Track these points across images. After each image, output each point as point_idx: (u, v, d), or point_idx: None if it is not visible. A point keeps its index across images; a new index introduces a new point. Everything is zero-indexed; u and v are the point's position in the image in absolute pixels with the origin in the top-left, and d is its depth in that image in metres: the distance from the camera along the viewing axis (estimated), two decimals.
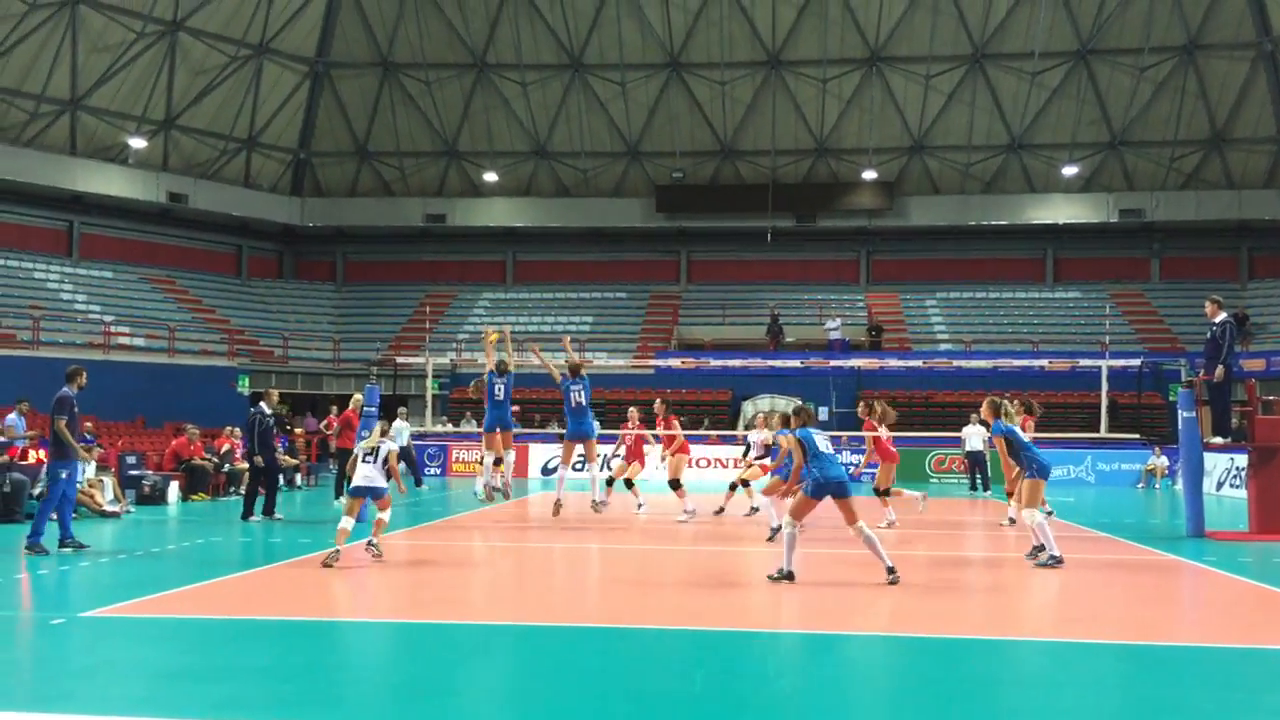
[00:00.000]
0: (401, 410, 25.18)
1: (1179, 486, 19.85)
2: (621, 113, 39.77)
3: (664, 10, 37.62)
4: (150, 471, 19.90)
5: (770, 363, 30.75)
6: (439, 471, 29.81)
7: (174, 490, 19.49)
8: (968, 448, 24.24)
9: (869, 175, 39.11)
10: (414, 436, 24.31)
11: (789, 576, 10.13)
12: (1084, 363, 28.23)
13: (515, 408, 19.37)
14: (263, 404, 16.92)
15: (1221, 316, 15.15)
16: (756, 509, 16.67)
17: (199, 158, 38.26)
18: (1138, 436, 24.53)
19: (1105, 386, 19.55)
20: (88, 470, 17.08)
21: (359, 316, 40.67)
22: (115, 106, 35.41)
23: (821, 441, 10.50)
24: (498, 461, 16.39)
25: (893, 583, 9.99)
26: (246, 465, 17.27)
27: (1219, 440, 15.51)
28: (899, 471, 16.73)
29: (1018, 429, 12.11)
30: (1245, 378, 19.20)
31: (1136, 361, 30.43)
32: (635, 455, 17.77)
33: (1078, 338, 36.57)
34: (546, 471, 28.44)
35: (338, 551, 11.09)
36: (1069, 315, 38.79)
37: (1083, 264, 40.62)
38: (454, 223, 41.10)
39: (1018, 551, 12.57)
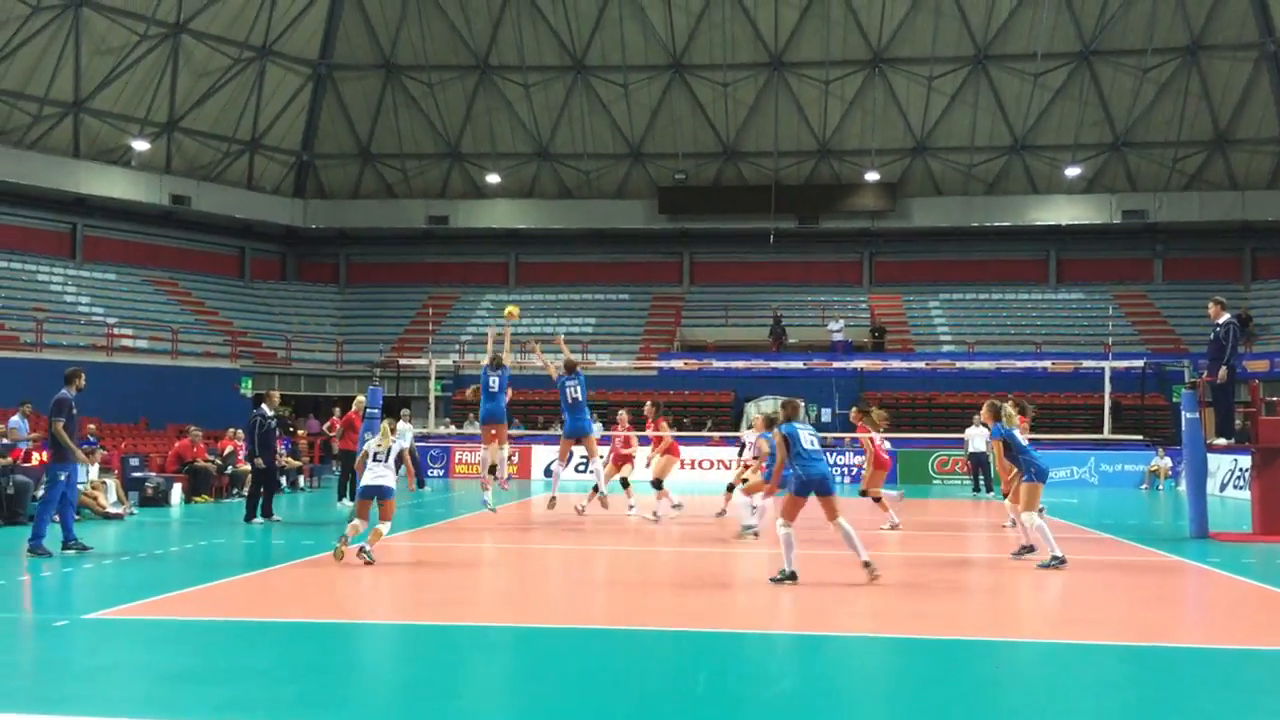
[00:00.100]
0: (405, 412, 25.18)
1: (1182, 488, 19.82)
2: (624, 114, 39.78)
3: (666, 12, 37.62)
4: (153, 473, 19.94)
5: (773, 364, 30.72)
6: (442, 473, 29.84)
7: (177, 492, 19.52)
8: (971, 449, 24.23)
9: (871, 176, 39.10)
10: (417, 438, 24.32)
11: (792, 577, 10.13)
12: (1087, 364, 28.21)
13: (518, 409, 19.40)
14: (264, 406, 16.94)
15: (1225, 318, 15.14)
16: (756, 508, 16.67)
17: (202, 160, 38.31)
18: (1141, 438, 24.49)
19: (1108, 388, 19.55)
20: (91, 472, 17.12)
21: (362, 318, 40.70)
22: (118, 109, 35.45)
23: (806, 438, 10.43)
24: (493, 469, 16.45)
25: (872, 578, 10.06)
26: (249, 467, 17.28)
27: (1222, 441, 15.50)
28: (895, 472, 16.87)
29: (1016, 432, 12.11)
30: (1249, 379, 19.15)
31: (1140, 363, 30.39)
32: (624, 459, 17.78)
33: (1081, 339, 36.53)
34: (549, 473, 28.40)
35: (347, 539, 11.38)
36: (1072, 316, 38.75)
37: (1086, 265, 40.59)
38: (456, 224, 41.12)
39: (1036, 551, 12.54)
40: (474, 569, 11.99)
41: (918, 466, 28.65)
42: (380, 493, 11.76)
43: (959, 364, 30.85)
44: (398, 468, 12.05)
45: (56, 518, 12.46)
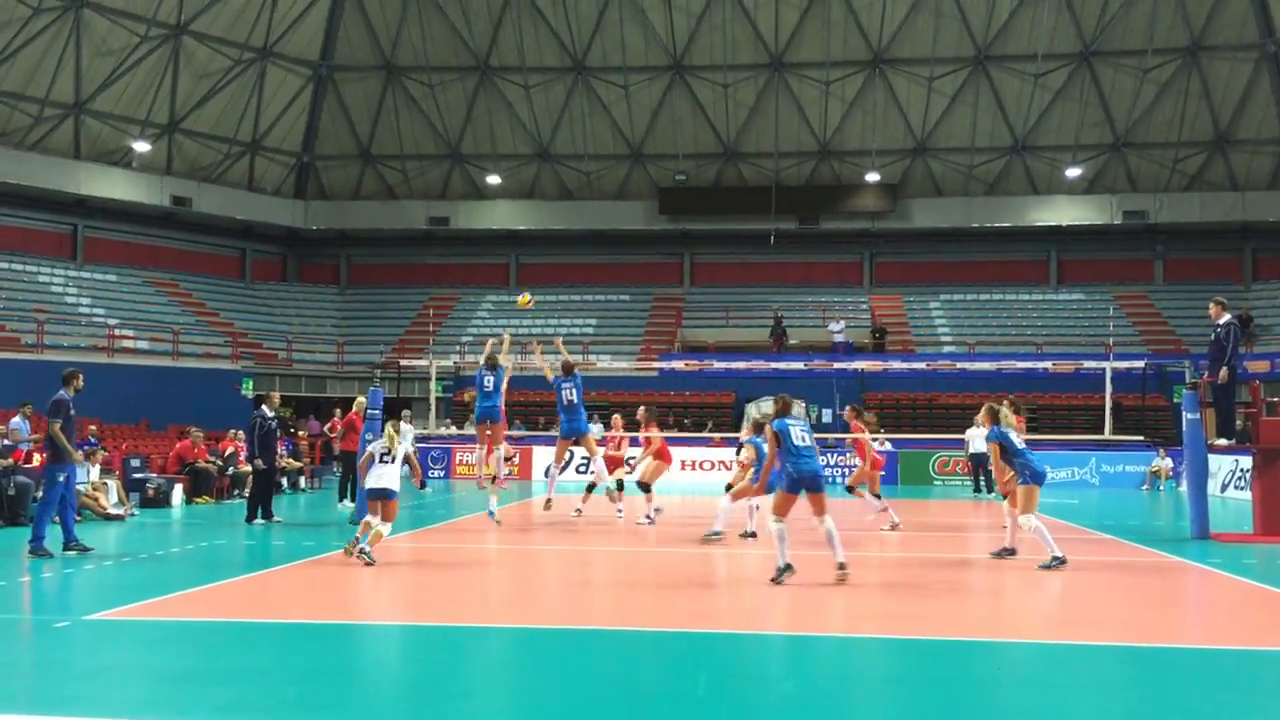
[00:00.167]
0: (405, 413, 25.16)
1: (1183, 488, 19.83)
2: (624, 115, 39.79)
3: (667, 13, 37.63)
4: (154, 474, 19.94)
5: (774, 365, 30.73)
6: (443, 474, 29.84)
7: (178, 493, 19.53)
8: (971, 450, 24.22)
9: (872, 177, 39.10)
10: (417, 439, 24.33)
11: (788, 569, 10.11)
12: (1088, 365, 28.22)
13: (519, 409, 19.38)
14: (264, 406, 16.95)
15: (1225, 318, 15.13)
16: (756, 507, 16.68)
17: (203, 161, 38.32)
18: (1142, 438, 24.48)
19: (1109, 388, 19.54)
20: (92, 473, 17.12)
21: (362, 319, 40.70)
22: (119, 110, 35.47)
23: (798, 433, 10.39)
24: (494, 479, 16.42)
25: (839, 580, 10.05)
26: (250, 468, 17.28)
27: (1223, 442, 15.49)
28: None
29: (1012, 434, 12.11)
30: (1249, 379, 19.15)
31: (1140, 363, 30.38)
32: (616, 462, 17.80)
33: (1081, 340, 36.52)
34: (549, 474, 28.41)
35: (358, 542, 11.43)
36: (1073, 317, 38.74)
37: (1086, 266, 40.58)
38: (457, 225, 41.13)
39: (1022, 554, 12.54)
40: (474, 570, 11.99)
41: (918, 467, 28.65)
42: (384, 494, 11.80)
43: (960, 365, 30.85)
44: (404, 465, 12.10)
45: (56, 519, 12.47)
